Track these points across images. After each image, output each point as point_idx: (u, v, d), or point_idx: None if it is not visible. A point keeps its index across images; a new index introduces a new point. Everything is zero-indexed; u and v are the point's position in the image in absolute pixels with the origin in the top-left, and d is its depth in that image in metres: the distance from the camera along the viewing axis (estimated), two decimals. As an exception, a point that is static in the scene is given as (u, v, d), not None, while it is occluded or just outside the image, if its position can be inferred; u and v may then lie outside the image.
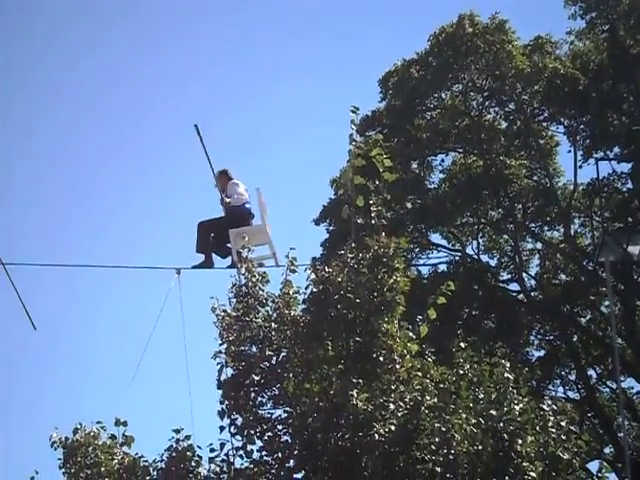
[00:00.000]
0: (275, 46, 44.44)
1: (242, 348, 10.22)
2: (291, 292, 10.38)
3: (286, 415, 10.03)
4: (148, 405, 30.58)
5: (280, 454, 9.85)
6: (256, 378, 10.09)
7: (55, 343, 38.77)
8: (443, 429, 9.47)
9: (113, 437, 10.53)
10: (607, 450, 25.19)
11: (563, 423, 10.11)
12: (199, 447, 10.19)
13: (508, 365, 10.40)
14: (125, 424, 10.55)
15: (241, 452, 10.00)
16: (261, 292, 10.47)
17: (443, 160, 26.53)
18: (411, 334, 10.10)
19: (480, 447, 9.59)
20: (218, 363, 10.20)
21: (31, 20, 40.68)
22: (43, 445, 10.51)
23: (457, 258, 26.44)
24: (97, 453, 10.36)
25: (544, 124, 25.84)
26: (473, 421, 9.68)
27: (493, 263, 26.93)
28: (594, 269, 24.35)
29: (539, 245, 27.13)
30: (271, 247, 13.54)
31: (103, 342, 38.90)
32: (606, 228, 21.21)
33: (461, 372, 10.22)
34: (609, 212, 24.27)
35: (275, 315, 10.30)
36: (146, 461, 10.30)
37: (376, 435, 9.35)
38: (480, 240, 26.99)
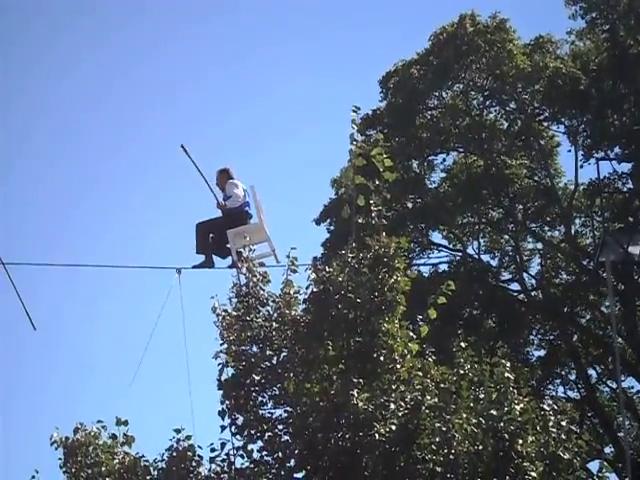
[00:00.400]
0: (275, 46, 44.44)
1: (243, 348, 10.23)
2: (292, 292, 10.39)
3: (287, 415, 10.03)
4: (149, 405, 30.59)
5: (281, 454, 9.86)
6: (257, 378, 10.09)
7: (55, 343, 38.77)
8: (444, 429, 9.48)
9: (114, 437, 10.52)
10: (607, 450, 25.18)
11: (563, 423, 10.12)
12: (200, 447, 10.22)
13: (508, 365, 10.40)
14: (126, 424, 10.55)
15: (242, 452, 10.02)
16: (262, 292, 10.49)
17: (444, 160, 26.55)
18: (412, 334, 10.11)
19: (481, 447, 9.60)
20: (219, 363, 10.21)
21: (30, 20, 40.70)
22: (43, 445, 10.52)
23: (458, 258, 26.44)
24: (98, 453, 10.36)
25: (545, 124, 25.84)
26: (474, 421, 9.68)
27: (494, 263, 26.94)
28: (595, 269, 24.34)
29: (540, 245, 27.12)
30: (270, 244, 13.56)
31: (104, 342, 38.90)
32: (607, 228, 21.22)
33: (462, 372, 10.22)
34: (610, 212, 24.25)
35: (276, 315, 10.31)
36: (147, 461, 10.30)
37: (377, 435, 9.36)
38: (481, 240, 26.99)
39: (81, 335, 39.96)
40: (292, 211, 35.81)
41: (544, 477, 9.73)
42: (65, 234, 41.03)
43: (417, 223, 25.57)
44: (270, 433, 9.97)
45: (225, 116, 44.34)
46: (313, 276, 10.14)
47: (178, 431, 10.19)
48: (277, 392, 10.07)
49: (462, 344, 10.61)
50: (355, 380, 9.66)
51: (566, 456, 9.85)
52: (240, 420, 10.05)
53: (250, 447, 9.99)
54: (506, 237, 26.86)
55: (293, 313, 10.24)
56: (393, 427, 9.42)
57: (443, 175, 26.59)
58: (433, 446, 9.45)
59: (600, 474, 10.21)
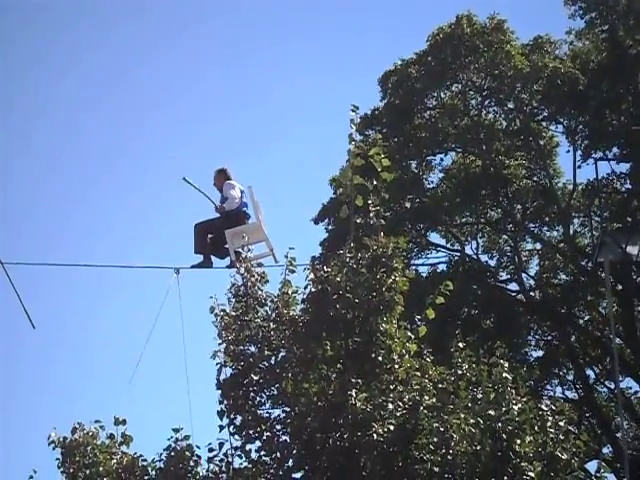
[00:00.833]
0: (274, 46, 44.47)
1: (241, 348, 10.22)
2: (290, 292, 10.39)
3: (285, 415, 10.03)
4: (147, 404, 30.59)
5: (279, 454, 9.85)
6: (255, 378, 10.09)
7: (54, 342, 38.79)
8: (442, 429, 9.48)
9: (112, 436, 10.52)
10: (605, 450, 25.20)
11: (561, 423, 10.12)
12: (198, 447, 10.21)
13: (507, 365, 10.41)
14: (124, 423, 10.55)
15: (240, 452, 10.01)
16: (260, 292, 10.48)
17: (442, 160, 26.56)
18: (410, 334, 10.11)
19: (479, 447, 9.60)
20: (217, 363, 10.21)
21: (30, 19, 40.68)
22: (41, 444, 10.51)
23: (456, 258, 26.44)
24: (96, 453, 10.35)
25: (543, 124, 25.84)
26: (472, 421, 9.68)
27: (492, 263, 26.95)
28: (593, 269, 24.34)
29: (538, 245, 27.13)
30: (268, 244, 13.57)
31: (102, 341, 38.91)
32: (605, 228, 21.22)
33: (460, 372, 10.23)
34: (608, 212, 24.26)
35: (274, 315, 10.31)
36: (145, 460, 10.31)
37: (375, 435, 9.36)
38: (479, 240, 26.99)
39: (80, 335, 40.01)
40: (291, 210, 35.85)
41: (542, 477, 9.73)
42: (64, 234, 41.08)
43: (415, 223, 25.57)
44: (268, 433, 9.96)
45: (224, 115, 44.41)
46: (311, 276, 10.14)
47: (176, 431, 10.19)
48: (275, 392, 10.07)
49: (460, 344, 10.61)
50: (353, 380, 9.66)
51: (564, 456, 9.86)
52: (238, 420, 10.05)
53: (248, 447, 9.99)
54: (504, 237, 26.87)
55: (291, 313, 10.24)
56: (391, 427, 9.41)
57: (441, 175, 26.60)
58: (431, 446, 9.45)
59: (598, 474, 10.22)
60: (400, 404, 9.59)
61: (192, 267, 13.68)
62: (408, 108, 25.21)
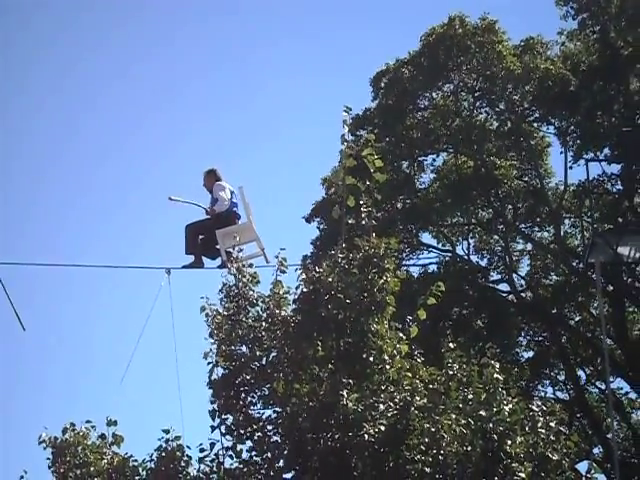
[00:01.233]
0: (267, 46, 44.47)
1: (232, 348, 10.22)
2: (281, 292, 10.39)
3: (276, 415, 10.03)
4: (138, 405, 30.54)
5: (270, 454, 9.85)
6: (246, 378, 10.09)
7: (46, 343, 38.70)
8: (432, 429, 9.48)
9: (102, 437, 10.51)
10: (596, 451, 25.27)
11: (552, 424, 10.12)
12: (189, 447, 10.20)
13: (498, 366, 10.41)
14: (115, 424, 10.53)
15: (231, 452, 10.00)
16: (251, 292, 10.48)
17: (434, 160, 26.58)
18: (401, 335, 10.11)
19: (469, 447, 9.60)
20: (209, 363, 10.20)
21: (30, 19, 40.62)
22: (31, 445, 10.49)
23: (447, 258, 26.47)
24: (86, 453, 10.33)
25: (535, 125, 25.88)
26: (462, 421, 9.69)
27: (483, 263, 26.98)
28: (584, 270, 24.39)
29: (529, 246, 27.18)
30: (259, 243, 13.59)
31: (94, 342, 38.86)
32: (596, 229, 21.24)
33: (451, 373, 10.23)
34: (599, 213, 24.31)
35: (265, 315, 10.31)
36: (135, 461, 10.29)
37: (366, 435, 9.36)
38: (470, 240, 27.02)
39: (72, 335, 39.94)
40: (283, 208, 35.88)
41: (533, 478, 9.73)
42: (57, 235, 41.02)
43: (407, 223, 25.59)
44: (259, 433, 9.97)
45: (216, 115, 44.38)
46: (303, 276, 10.14)
47: (167, 431, 10.18)
48: (267, 392, 10.06)
49: (451, 345, 10.61)
50: (344, 380, 9.66)
51: (555, 457, 9.86)
52: (230, 420, 10.05)
53: (239, 447, 9.99)
54: (496, 237, 26.90)
55: (283, 313, 10.24)
56: (382, 427, 9.42)
57: (433, 175, 26.62)
58: (422, 446, 9.45)
59: (589, 475, 10.22)
60: (391, 404, 9.60)
61: (183, 267, 13.70)
62: (400, 108, 25.23)
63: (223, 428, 10.02)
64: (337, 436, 9.52)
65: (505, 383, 10.30)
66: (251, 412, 10.09)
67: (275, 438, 9.95)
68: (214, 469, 10.03)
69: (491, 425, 9.80)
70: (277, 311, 10.26)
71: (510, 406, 10.01)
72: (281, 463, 9.84)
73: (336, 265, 10.09)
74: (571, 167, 24.96)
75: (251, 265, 10.92)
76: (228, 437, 10.01)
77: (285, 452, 9.80)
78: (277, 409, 10.04)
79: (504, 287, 26.40)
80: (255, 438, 9.95)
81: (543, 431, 9.98)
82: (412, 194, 25.78)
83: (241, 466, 9.93)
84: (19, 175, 41.34)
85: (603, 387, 26.04)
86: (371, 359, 9.83)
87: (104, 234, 41.05)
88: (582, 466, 10.61)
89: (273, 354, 10.15)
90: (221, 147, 39.84)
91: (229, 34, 44.67)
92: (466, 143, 25.57)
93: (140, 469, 10.19)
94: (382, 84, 25.74)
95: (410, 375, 9.90)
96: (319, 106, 42.75)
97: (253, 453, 9.94)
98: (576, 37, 25.58)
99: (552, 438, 9.99)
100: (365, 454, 9.42)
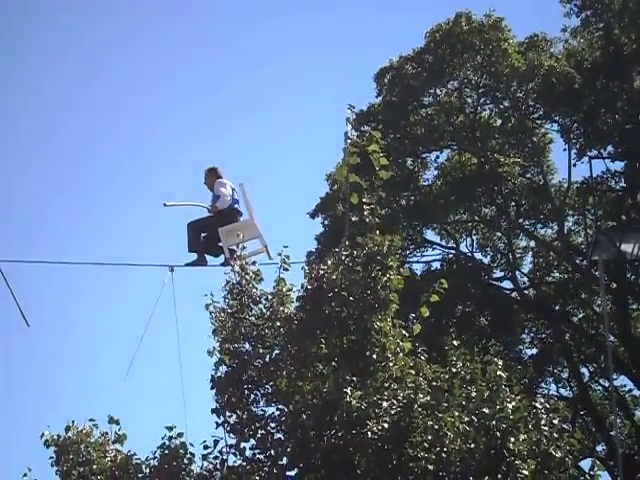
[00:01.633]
0: (274, 37, 44.44)
1: (236, 345, 10.22)
2: (284, 290, 10.39)
3: (279, 413, 10.03)
4: (141, 402, 30.58)
5: (273, 452, 9.85)
6: (250, 375, 10.09)
7: (48, 340, 38.75)
8: (436, 427, 9.48)
9: (105, 435, 10.51)
10: (599, 448, 25.26)
11: (556, 421, 10.11)
12: (192, 444, 10.20)
13: (501, 363, 10.40)
14: (117, 423, 10.54)
15: (234, 450, 10.00)
16: (255, 290, 10.48)
17: (437, 157, 26.57)
18: (404, 332, 10.11)
19: (473, 445, 9.60)
20: (214, 361, 10.20)
21: (10, 17, 40.64)
22: (35, 443, 10.50)
23: (451, 255, 26.47)
24: (89, 451, 10.33)
25: (538, 122, 25.86)
26: (466, 419, 9.68)
27: (486, 260, 26.97)
28: (587, 267, 24.38)
29: (532, 243, 27.16)
30: (262, 240, 13.59)
31: (97, 339, 38.90)
32: (599, 226, 21.23)
33: (454, 370, 10.22)
34: (602, 210, 24.28)
35: (269, 313, 10.31)
36: (139, 459, 10.29)
37: (369, 433, 9.36)
38: (474, 237, 27.01)
39: (75, 332, 39.97)
40: (287, 204, 35.88)
41: (536, 475, 9.73)
42: (58, 232, 41.01)
43: (410, 220, 25.58)
44: (263, 431, 9.96)
45: (220, 109, 44.35)
46: (307, 274, 10.14)
47: (170, 428, 10.18)
48: (270, 390, 10.07)
49: (454, 342, 10.61)
50: (348, 378, 9.66)
51: (558, 454, 9.85)
52: (233, 418, 10.04)
53: (243, 445, 9.99)
54: (499, 235, 26.89)
55: (286, 311, 10.24)
56: (385, 425, 9.42)
57: (436, 172, 26.61)
58: (425, 444, 9.45)
59: (592, 472, 10.21)
60: (394, 402, 9.60)
61: (186, 265, 13.70)
62: (404, 105, 25.21)
63: (226, 426, 10.02)
64: (340, 433, 9.52)
65: (508, 380, 10.29)
66: (254, 410, 10.09)
67: (278, 436, 9.95)
68: (217, 466, 10.03)
69: (494, 422, 9.79)
70: (280, 308, 10.26)
71: (513, 403, 10.00)
72: (284, 461, 9.84)
73: (340, 263, 10.08)
74: (574, 164, 24.96)
75: (254, 262, 10.92)
76: (231, 435, 10.02)
77: (288, 450, 9.80)
78: (280, 406, 10.04)
79: (507, 284, 26.42)
80: (258, 436, 9.95)
81: (546, 428, 9.97)
82: (416, 191, 25.76)
83: (244, 464, 9.93)
84: (18, 172, 41.36)
85: (606, 384, 26.03)
86: (374, 357, 9.82)
87: (107, 232, 41.08)
88: (585, 463, 10.65)
89: (276, 351, 10.15)
90: (224, 143, 39.86)
91: (235, 22, 44.65)
92: (470, 140, 25.55)
93: (143, 466, 10.19)
94: (386, 80, 25.72)
95: (413, 373, 9.89)
96: (323, 101, 42.76)
97: (256, 451, 9.93)
98: (580, 34, 25.54)
99: (555, 435, 9.98)
100: (368, 451, 9.42)
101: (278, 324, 10.18)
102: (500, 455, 9.67)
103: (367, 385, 9.72)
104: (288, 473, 9.84)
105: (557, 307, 25.89)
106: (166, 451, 10.11)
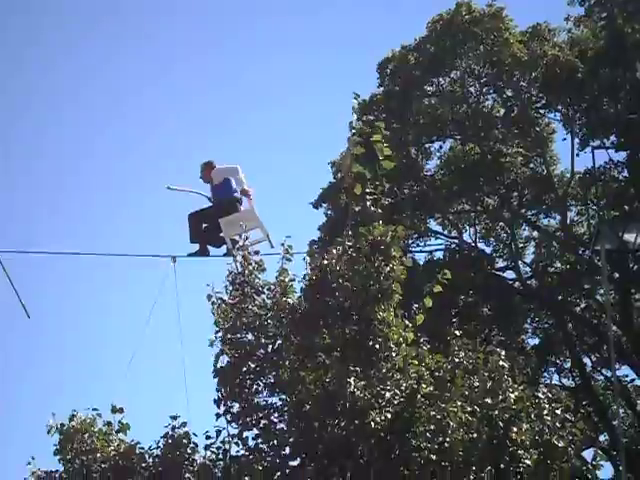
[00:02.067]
0: (276, 28, 44.38)
1: (238, 336, 10.23)
2: (287, 280, 10.39)
3: (282, 403, 10.05)
4: (144, 392, 30.62)
5: (276, 441, 9.87)
6: (252, 366, 10.10)
7: (51, 331, 38.80)
8: (439, 417, 9.50)
9: (109, 424, 10.54)
10: (602, 438, 25.24)
11: (558, 411, 10.14)
12: (195, 434, 10.23)
13: (503, 353, 10.42)
14: (121, 411, 10.56)
15: (237, 439, 10.03)
16: (257, 280, 10.49)
17: (440, 147, 26.53)
18: (407, 322, 10.12)
19: (475, 435, 9.62)
20: (215, 350, 10.22)
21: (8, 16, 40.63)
22: (39, 432, 10.53)
23: (454, 245, 26.46)
24: (93, 440, 10.37)
25: (541, 111, 25.81)
26: (468, 409, 9.71)
27: (489, 250, 26.95)
28: (590, 257, 24.36)
29: (535, 233, 27.13)
30: (263, 229, 13.58)
31: (99, 329, 38.94)
32: (602, 216, 21.22)
33: (457, 360, 10.24)
34: (605, 200, 24.26)
35: (271, 303, 10.31)
36: (142, 448, 10.32)
37: (372, 423, 9.38)
38: (477, 227, 26.98)
39: (77, 323, 40.02)
40: (291, 193, 35.87)
41: (538, 465, 9.75)
42: (61, 222, 41.03)
43: (413, 210, 25.56)
44: (265, 421, 9.98)
45: (223, 98, 44.33)
46: (309, 264, 10.15)
47: (174, 418, 10.21)
48: (272, 380, 10.08)
49: (457, 332, 10.62)
50: (351, 368, 9.67)
51: (560, 444, 9.88)
52: (235, 408, 10.06)
53: (245, 435, 10.01)
54: (502, 225, 26.87)
55: (289, 301, 10.25)
56: (388, 415, 9.44)
57: (439, 162, 26.57)
58: (428, 434, 9.47)
59: (594, 462, 10.25)
60: (397, 392, 9.61)
61: (189, 255, 13.71)
62: (406, 95, 25.17)
63: (228, 416, 10.04)
64: (343, 424, 9.54)
65: (511, 370, 10.31)
66: (257, 400, 10.10)
67: (281, 426, 9.97)
68: (220, 456, 10.06)
69: (497, 412, 9.81)
70: (283, 299, 10.27)
71: (516, 393, 10.02)
72: (287, 450, 9.87)
73: (343, 253, 10.08)
74: (578, 154, 24.92)
75: (257, 252, 10.93)
76: (234, 424, 10.03)
77: (291, 439, 9.82)
78: (283, 397, 10.05)
79: (510, 274, 26.41)
80: (261, 425, 9.98)
81: (549, 418, 10.00)
82: (419, 181, 25.74)
83: (247, 453, 9.95)
84: (17, 161, 41.35)
85: (609, 374, 26.01)
86: (377, 347, 9.83)
87: (106, 222, 41.09)
88: (588, 453, 10.65)
89: (279, 342, 10.16)
90: (229, 137, 39.84)
91: (238, 14, 44.59)
92: (473, 130, 25.51)
93: (146, 456, 10.23)
94: (388, 70, 25.68)
95: (416, 363, 9.91)
96: (328, 90, 42.71)
97: (259, 440, 9.96)
98: (583, 23, 25.48)
99: (558, 425, 10.01)
100: (371, 442, 9.44)
101: (281, 314, 10.19)
102: (502, 445, 9.70)
103: (370, 375, 9.73)
104: (291, 463, 9.87)
105: (560, 297, 25.87)
106: (169, 440, 10.14)
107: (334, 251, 10.14)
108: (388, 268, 9.98)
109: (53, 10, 42.16)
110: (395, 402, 9.54)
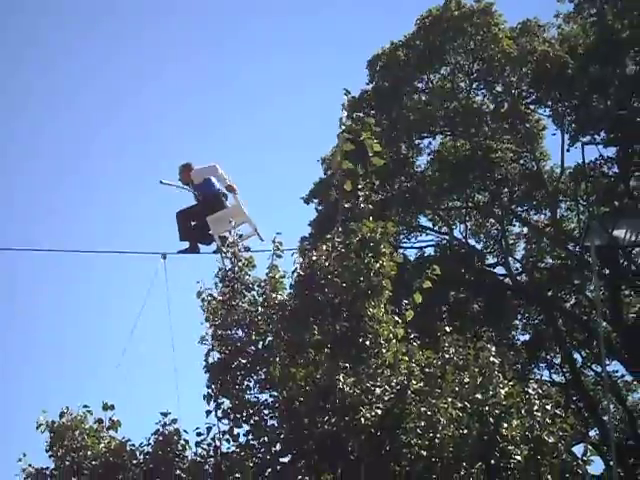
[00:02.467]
0: (271, 28, 44.37)
1: (228, 332, 10.23)
2: (277, 276, 10.39)
3: (272, 399, 10.05)
4: (135, 389, 30.60)
5: (266, 438, 9.87)
6: (243, 362, 10.10)
7: (42, 327, 38.74)
8: (429, 413, 9.51)
9: (100, 421, 10.53)
10: (592, 433, 25.31)
11: (548, 406, 10.15)
12: (185, 431, 10.22)
13: (494, 349, 10.43)
14: (112, 408, 10.55)
15: (227, 436, 10.02)
16: (247, 277, 10.49)
17: (430, 143, 26.55)
18: (397, 318, 10.12)
19: (466, 431, 9.63)
20: (205, 347, 10.21)
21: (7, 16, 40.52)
22: (30, 429, 10.51)
23: (444, 241, 26.48)
24: (84, 437, 10.36)
25: (531, 107, 25.85)
26: (459, 405, 9.71)
27: (479, 247, 26.98)
28: (580, 253, 24.41)
29: (525, 229, 27.17)
30: (251, 224, 13.57)
31: (90, 327, 38.91)
32: (592, 212, 21.26)
33: (447, 356, 10.25)
34: (595, 196, 24.30)
35: (261, 299, 10.31)
36: (133, 445, 10.31)
37: (362, 419, 9.38)
38: (467, 223, 27.01)
39: (68, 320, 39.96)
40: (282, 189, 35.83)
41: (529, 460, 9.77)
42: (51, 219, 40.96)
43: (403, 206, 25.57)
44: (256, 417, 9.98)
45: (215, 95, 44.29)
46: (299, 260, 10.15)
47: (164, 414, 10.20)
48: (263, 376, 10.08)
49: (447, 328, 10.63)
50: (341, 364, 9.68)
51: (551, 439, 9.89)
52: (226, 404, 10.06)
53: (236, 431, 10.01)
54: (492, 221, 26.89)
55: (279, 297, 10.25)
56: (379, 411, 9.44)
57: (430, 158, 26.58)
58: (418, 430, 9.48)
59: (585, 457, 10.26)
60: (387, 388, 9.62)
61: (179, 252, 13.71)
62: (396, 91, 25.17)
63: (219, 412, 10.04)
64: (334, 420, 9.54)
65: (501, 366, 10.32)
66: (247, 396, 10.10)
67: (272, 422, 9.97)
68: (211, 453, 10.05)
69: (487, 408, 9.82)
70: (273, 295, 10.27)
71: (506, 389, 10.03)
72: (278, 447, 9.86)
73: (333, 249, 10.08)
74: (568, 150, 24.95)
75: (248, 249, 10.92)
76: (225, 421, 10.03)
77: (282, 436, 9.82)
78: (274, 393, 10.05)
79: (500, 270, 26.44)
80: (252, 422, 9.98)
81: (539, 414, 10.01)
82: (409, 177, 25.75)
83: (238, 450, 9.95)
84: (10, 159, 41.24)
85: (599, 370, 26.09)
86: (367, 343, 9.84)
87: (96, 218, 41.03)
88: (578, 449, 10.66)
89: (269, 338, 10.16)
90: (223, 135, 39.80)
91: (230, 12, 44.52)
92: (463, 125, 25.52)
93: (137, 453, 10.22)
94: (378, 67, 25.67)
95: (406, 359, 9.91)
96: (317, 86, 42.70)
97: (250, 437, 9.96)
98: (573, 20, 25.51)
99: (548, 421, 10.02)
100: (362, 438, 9.44)
101: (271, 311, 10.19)
102: (493, 441, 9.71)
103: (360, 371, 9.74)
104: (282, 459, 9.87)
105: (550, 293, 25.93)
106: (160, 437, 10.13)
107: (324, 247, 10.14)
108: (378, 264, 9.99)
109: (52, 10, 42.16)
110: (385, 398, 9.55)
